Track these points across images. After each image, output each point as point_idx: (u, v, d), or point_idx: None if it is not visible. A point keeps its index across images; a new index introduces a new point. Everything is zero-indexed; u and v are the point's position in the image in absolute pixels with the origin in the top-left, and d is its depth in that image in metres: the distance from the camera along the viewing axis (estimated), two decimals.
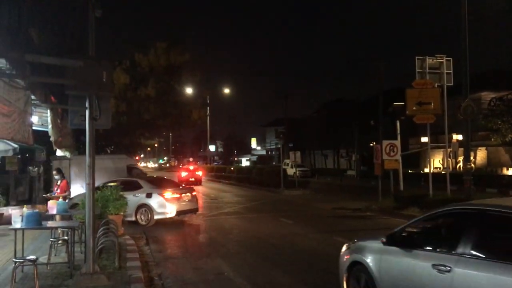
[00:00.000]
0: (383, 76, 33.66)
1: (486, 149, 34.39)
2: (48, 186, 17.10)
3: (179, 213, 14.27)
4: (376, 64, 34.81)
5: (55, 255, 8.40)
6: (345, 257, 5.91)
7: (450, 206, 5.06)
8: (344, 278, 5.82)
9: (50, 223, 8.25)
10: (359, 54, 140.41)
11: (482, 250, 4.09)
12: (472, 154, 23.40)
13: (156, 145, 77.25)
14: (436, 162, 37.50)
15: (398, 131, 16.37)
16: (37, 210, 7.86)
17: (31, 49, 8.44)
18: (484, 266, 3.94)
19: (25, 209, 7.36)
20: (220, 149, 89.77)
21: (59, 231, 8.99)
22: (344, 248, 6.13)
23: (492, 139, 29.74)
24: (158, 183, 15.16)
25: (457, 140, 28.68)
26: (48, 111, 10.43)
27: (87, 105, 6.70)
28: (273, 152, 70.77)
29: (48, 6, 10.14)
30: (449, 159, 25.13)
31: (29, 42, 8.85)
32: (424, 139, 30.27)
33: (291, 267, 8.45)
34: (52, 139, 10.79)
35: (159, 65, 27.77)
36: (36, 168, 18.50)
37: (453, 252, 4.25)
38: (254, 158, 77.24)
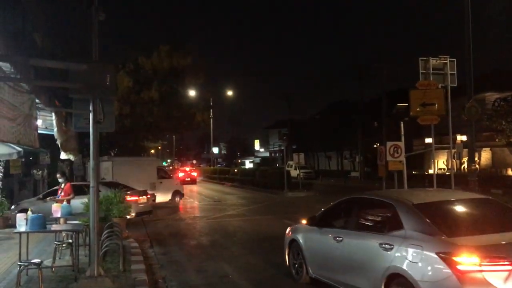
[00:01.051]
0: (385, 77, 33.66)
1: (490, 149, 34.26)
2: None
3: (137, 214, 14.65)
4: (379, 65, 34.82)
5: (60, 258, 8.42)
6: (287, 235, 7.76)
7: (348, 196, 6.90)
8: (286, 252, 7.70)
9: (54, 226, 8.26)
10: (361, 55, 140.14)
11: (359, 225, 6.10)
12: (476, 155, 23.28)
13: (159, 147, 77.27)
14: (441, 163, 37.36)
15: (402, 132, 16.26)
16: (41, 214, 7.87)
17: (35, 53, 8.48)
18: (359, 236, 5.87)
19: (30, 212, 7.38)
20: (223, 151, 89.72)
21: (64, 234, 9.00)
22: (288, 229, 7.91)
23: (497, 140, 29.59)
24: (115, 187, 15.21)
25: (462, 141, 28.53)
26: (53, 114, 10.48)
27: (91, 108, 6.72)
28: (277, 154, 70.71)
29: (51, 9, 10.19)
30: (453, 160, 25.03)
31: (33, 46, 8.89)
32: (428, 140, 30.10)
33: None
34: (58, 142, 10.83)
35: (163, 68, 27.74)
36: (40, 171, 18.59)
37: (344, 228, 6.32)
38: (258, 160, 77.04)
